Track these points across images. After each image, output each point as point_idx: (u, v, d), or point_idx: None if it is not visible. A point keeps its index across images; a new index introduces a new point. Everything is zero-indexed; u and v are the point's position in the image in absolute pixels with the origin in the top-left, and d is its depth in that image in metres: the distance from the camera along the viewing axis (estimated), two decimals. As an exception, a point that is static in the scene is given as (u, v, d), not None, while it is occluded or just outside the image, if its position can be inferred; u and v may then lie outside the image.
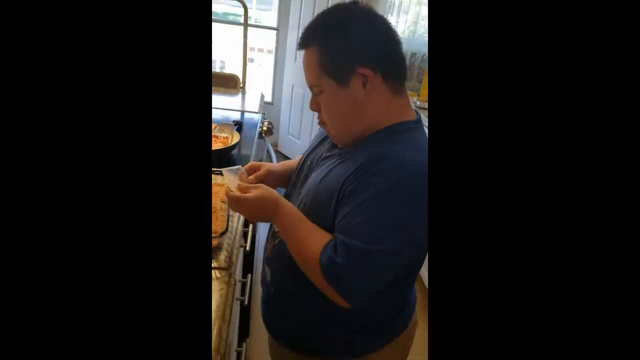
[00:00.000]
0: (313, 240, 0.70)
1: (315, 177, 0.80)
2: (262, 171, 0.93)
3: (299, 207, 0.79)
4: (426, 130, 0.75)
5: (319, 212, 0.73)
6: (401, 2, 3.03)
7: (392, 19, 3.09)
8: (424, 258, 0.83)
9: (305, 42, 0.75)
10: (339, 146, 0.81)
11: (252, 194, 0.76)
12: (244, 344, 1.29)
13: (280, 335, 0.90)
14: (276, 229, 0.82)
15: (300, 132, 3.48)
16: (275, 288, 0.86)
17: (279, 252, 0.82)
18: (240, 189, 0.78)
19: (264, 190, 0.77)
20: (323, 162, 0.81)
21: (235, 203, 0.77)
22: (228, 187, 0.81)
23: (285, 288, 0.84)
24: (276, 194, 0.78)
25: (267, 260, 0.89)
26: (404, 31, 3.11)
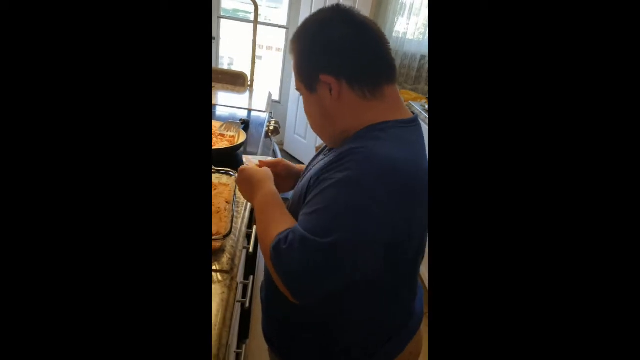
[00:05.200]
0: (275, 226, 0.68)
1: None
2: (275, 160, 0.97)
3: (288, 207, 0.78)
4: (423, 130, 0.75)
5: (296, 210, 0.72)
6: (412, 4, 3.01)
7: (402, 21, 3.06)
8: (404, 270, 0.76)
9: (290, 47, 0.78)
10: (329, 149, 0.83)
11: (248, 167, 0.83)
12: (244, 345, 1.27)
13: (273, 344, 0.89)
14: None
15: (306, 131, 3.46)
16: (265, 294, 0.86)
17: None
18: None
19: (258, 169, 0.83)
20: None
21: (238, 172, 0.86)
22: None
23: (269, 294, 0.84)
24: (266, 174, 0.81)
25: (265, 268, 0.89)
26: (414, 33, 3.09)
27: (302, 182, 0.76)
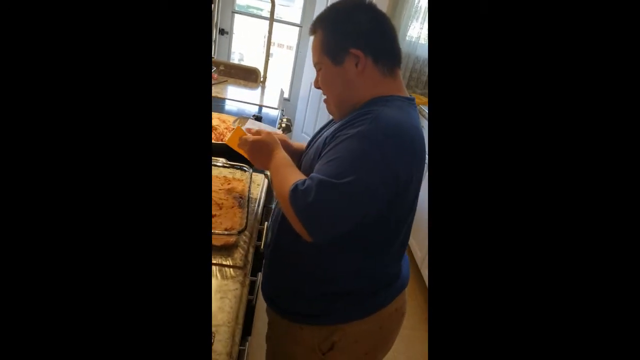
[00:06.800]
0: (293, 177, 0.76)
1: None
2: (278, 134, 1.04)
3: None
4: (419, 115, 0.84)
5: (310, 169, 0.80)
6: (427, 8, 2.99)
7: (416, 25, 3.05)
8: (396, 226, 0.85)
9: (313, 28, 0.88)
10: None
11: (256, 137, 0.92)
12: (246, 342, 1.26)
13: (273, 302, 0.94)
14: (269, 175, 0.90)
15: (314, 130, 3.45)
16: (273, 246, 0.92)
17: (276, 213, 0.91)
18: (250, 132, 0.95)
19: (267, 136, 0.92)
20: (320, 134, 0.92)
21: (243, 143, 0.93)
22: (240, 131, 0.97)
23: (279, 244, 0.90)
24: (276, 141, 0.91)
25: (271, 225, 0.95)
26: (427, 38, 3.08)
27: (315, 146, 0.85)
